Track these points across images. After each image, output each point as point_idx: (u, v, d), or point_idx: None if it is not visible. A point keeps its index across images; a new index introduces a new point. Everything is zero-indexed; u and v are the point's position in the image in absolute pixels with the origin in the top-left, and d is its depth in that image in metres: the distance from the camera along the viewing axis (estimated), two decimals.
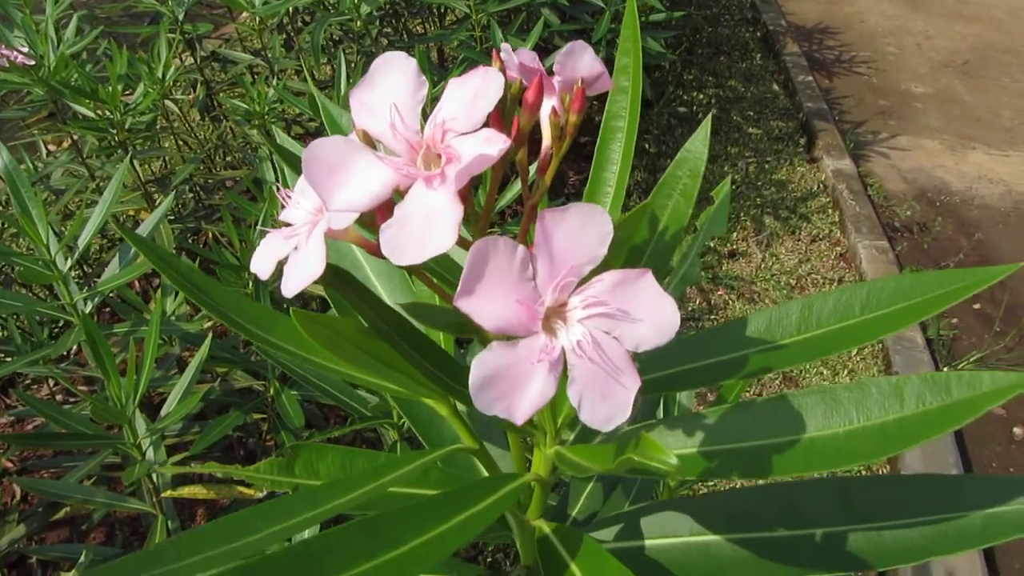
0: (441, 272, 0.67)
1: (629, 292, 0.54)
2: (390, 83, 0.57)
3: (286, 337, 0.72)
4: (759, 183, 4.19)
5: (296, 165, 0.80)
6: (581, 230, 0.52)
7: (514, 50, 0.64)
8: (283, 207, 0.61)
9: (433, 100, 0.56)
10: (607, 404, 0.53)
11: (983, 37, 5.82)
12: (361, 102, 0.57)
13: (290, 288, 0.54)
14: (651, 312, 0.54)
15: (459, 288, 0.50)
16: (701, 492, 2.33)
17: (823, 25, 6.00)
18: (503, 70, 0.57)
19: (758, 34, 5.71)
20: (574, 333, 0.53)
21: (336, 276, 0.56)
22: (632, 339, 0.54)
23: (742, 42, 5.53)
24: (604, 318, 0.54)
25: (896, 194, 4.22)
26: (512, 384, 0.52)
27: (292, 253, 0.56)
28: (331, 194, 0.52)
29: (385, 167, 0.53)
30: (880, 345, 3.29)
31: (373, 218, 0.54)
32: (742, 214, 3.98)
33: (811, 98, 4.83)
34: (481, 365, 0.51)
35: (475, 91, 0.54)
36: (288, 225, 0.59)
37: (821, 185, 4.23)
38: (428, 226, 0.50)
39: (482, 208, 0.58)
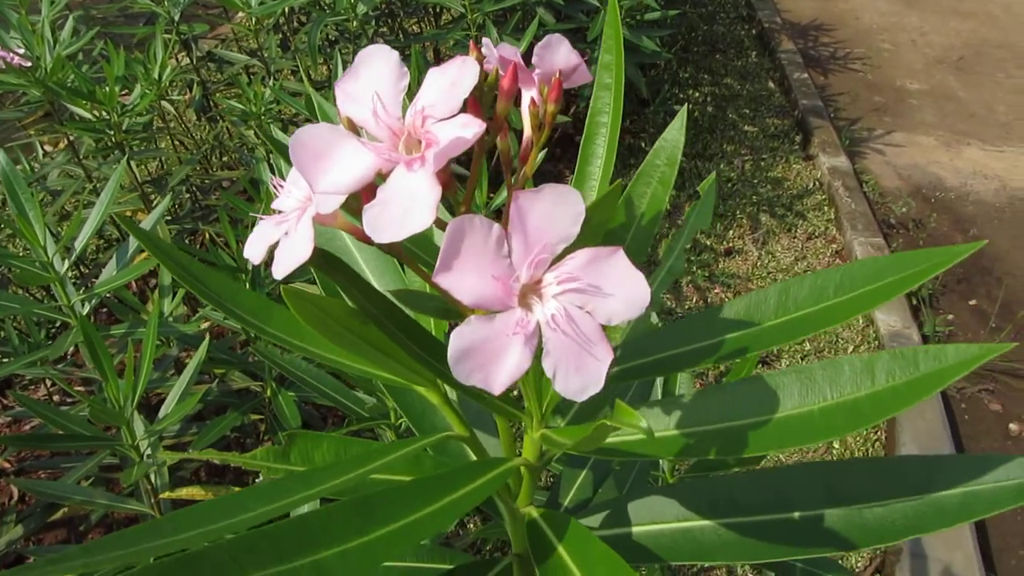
0: (429, 261, 0.69)
1: (601, 269, 0.56)
2: (373, 73, 0.59)
3: (280, 326, 0.74)
4: (755, 180, 4.21)
5: (288, 156, 0.82)
6: (554, 209, 0.54)
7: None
8: (276, 195, 0.63)
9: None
10: (580, 375, 0.55)
11: (978, 33, 5.85)
12: (346, 92, 0.60)
13: (280, 270, 0.56)
14: (622, 287, 0.56)
15: (437, 264, 0.52)
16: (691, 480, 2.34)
17: (818, 22, 6.02)
18: (480, 60, 0.59)
19: (753, 32, 5.73)
20: (548, 308, 0.56)
21: (325, 260, 0.58)
22: (604, 313, 0.56)
23: (737, 40, 5.55)
24: (577, 293, 0.56)
25: (891, 191, 4.24)
26: (489, 356, 0.54)
27: (283, 238, 0.58)
28: (317, 177, 0.54)
29: (368, 152, 0.55)
30: (876, 341, 3.31)
31: (359, 206, 0.57)
32: (738, 212, 4.00)
33: (806, 95, 4.86)
34: (459, 337, 0.53)
35: (452, 79, 0.57)
36: (280, 212, 0.61)
37: (817, 182, 4.25)
38: (408, 206, 0.53)
39: (463, 196, 0.60)
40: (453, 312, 0.65)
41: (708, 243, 3.82)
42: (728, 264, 3.74)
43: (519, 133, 0.65)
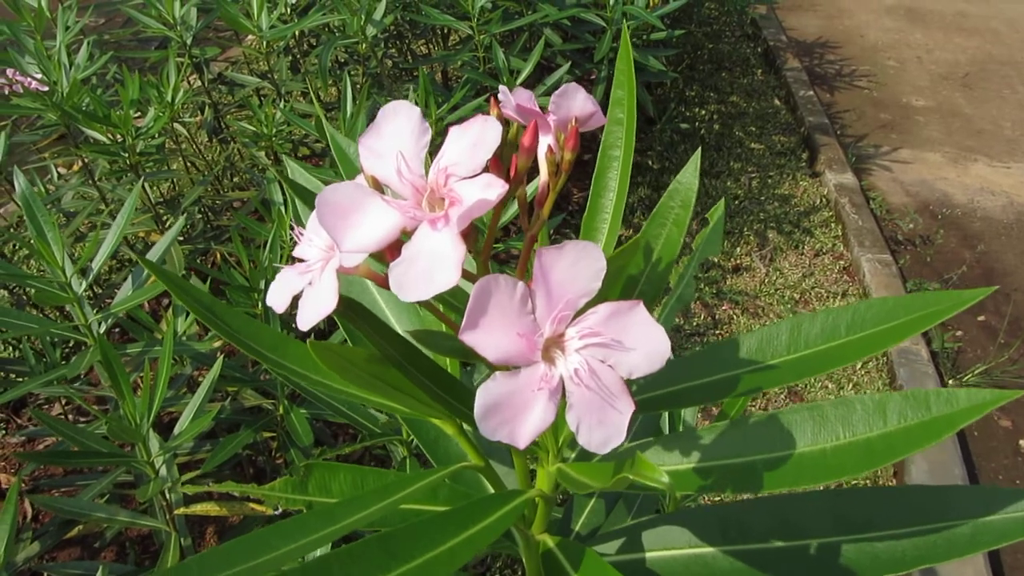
0: (447, 299, 0.71)
1: (622, 323, 0.58)
2: (395, 130, 0.61)
3: (298, 361, 0.76)
4: (762, 198, 4.22)
5: (308, 199, 0.84)
6: (576, 266, 0.56)
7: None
8: (296, 243, 0.65)
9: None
10: (603, 428, 0.57)
11: (983, 49, 5.86)
12: (369, 148, 0.61)
13: (305, 321, 0.58)
14: (643, 341, 0.58)
15: (464, 323, 0.53)
16: (702, 506, 2.35)
17: (823, 40, 6.04)
18: (500, 117, 0.61)
19: (759, 50, 5.76)
20: (571, 362, 0.57)
21: (349, 307, 0.60)
22: (626, 367, 0.58)
23: (743, 58, 5.58)
24: (599, 347, 0.57)
25: (898, 207, 4.25)
26: (514, 411, 0.55)
27: (306, 288, 0.60)
28: (343, 237, 0.56)
29: (393, 210, 0.57)
30: (885, 359, 3.31)
31: (381, 253, 0.58)
32: (745, 229, 4.02)
33: (812, 112, 4.87)
34: (485, 394, 0.55)
35: (474, 139, 0.58)
36: (301, 260, 0.63)
37: (823, 199, 4.26)
38: (433, 265, 0.54)
39: (483, 244, 0.61)
40: (471, 353, 0.67)
41: (716, 260, 3.83)
42: (736, 281, 3.75)
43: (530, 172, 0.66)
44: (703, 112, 4.92)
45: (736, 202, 4.19)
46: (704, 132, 4.71)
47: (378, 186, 0.60)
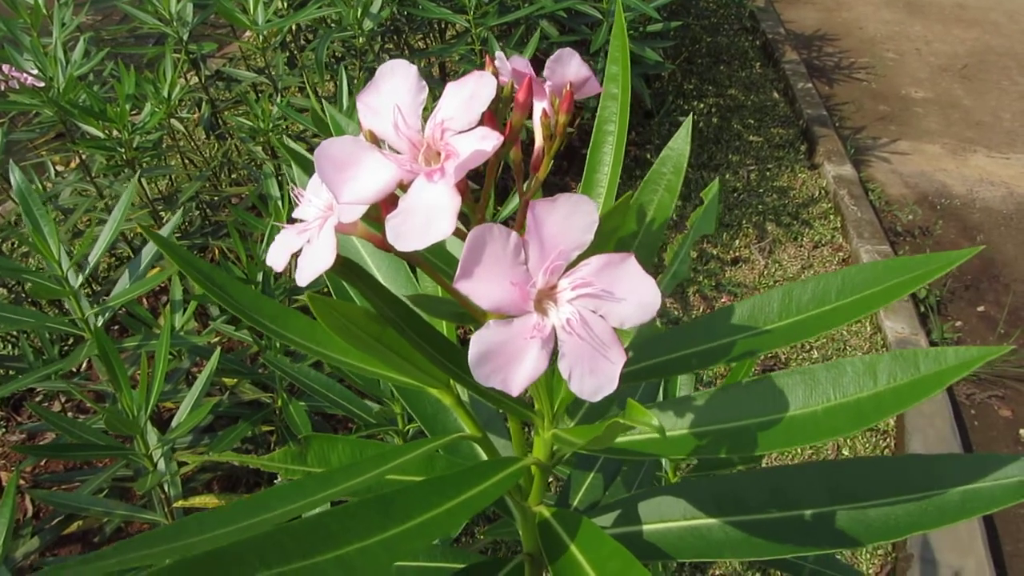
0: (442, 266, 0.71)
1: (614, 274, 0.58)
2: (393, 87, 0.62)
3: (298, 331, 0.76)
4: (761, 190, 4.23)
5: (305, 165, 0.84)
6: (569, 218, 0.56)
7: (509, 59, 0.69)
8: (297, 204, 0.66)
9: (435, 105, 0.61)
10: (595, 377, 0.57)
11: (982, 41, 5.87)
12: (367, 104, 0.62)
13: (304, 277, 0.59)
14: (634, 292, 0.58)
15: (458, 271, 0.54)
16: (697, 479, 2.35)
17: (822, 32, 6.05)
18: (496, 74, 0.62)
19: (757, 42, 5.76)
20: (563, 312, 0.58)
21: (346, 267, 0.60)
22: (617, 317, 0.58)
23: (741, 51, 5.58)
24: (591, 298, 0.58)
25: (897, 199, 4.25)
26: (507, 358, 0.56)
27: (305, 246, 0.61)
28: (341, 188, 0.57)
29: (390, 163, 0.58)
30: (885, 348, 3.32)
31: (379, 214, 0.59)
32: (744, 221, 4.02)
33: (811, 105, 4.88)
34: (479, 341, 0.56)
35: (471, 92, 0.59)
36: (301, 221, 0.64)
37: (822, 191, 4.26)
38: (430, 216, 0.55)
39: (478, 202, 0.62)
40: (467, 316, 0.67)
41: (715, 252, 3.83)
42: (735, 273, 3.75)
43: (525, 144, 0.67)
44: (701, 105, 4.93)
45: (735, 194, 4.19)
46: (702, 125, 4.72)
47: (375, 140, 0.61)
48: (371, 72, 3.10)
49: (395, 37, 3.67)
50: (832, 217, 4.09)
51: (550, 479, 0.95)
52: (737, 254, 3.86)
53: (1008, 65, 5.54)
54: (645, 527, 0.86)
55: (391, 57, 3.57)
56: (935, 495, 0.75)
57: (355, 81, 2.88)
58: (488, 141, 0.56)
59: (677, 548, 0.83)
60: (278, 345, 2.08)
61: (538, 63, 0.64)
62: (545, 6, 3.16)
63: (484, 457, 0.89)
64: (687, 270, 0.94)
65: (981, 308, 3.60)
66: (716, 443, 0.71)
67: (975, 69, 5.50)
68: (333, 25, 3.17)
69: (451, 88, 0.60)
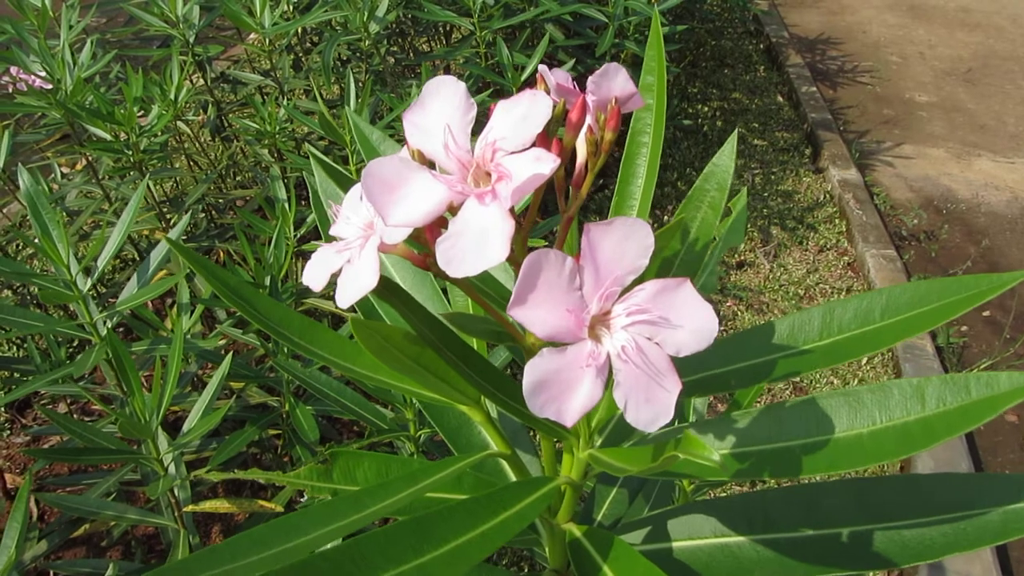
0: (477, 283, 0.70)
1: (669, 300, 0.57)
2: (441, 105, 0.60)
3: (326, 346, 0.75)
4: (765, 194, 4.22)
5: (339, 178, 0.83)
6: (624, 242, 0.55)
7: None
8: (333, 222, 0.64)
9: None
10: (651, 406, 0.56)
11: (986, 45, 5.86)
12: (414, 124, 0.60)
13: (346, 299, 0.57)
14: (690, 319, 0.57)
15: (512, 298, 0.53)
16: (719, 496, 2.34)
17: (825, 36, 6.04)
18: (548, 91, 0.60)
19: (761, 46, 5.75)
20: (618, 339, 0.56)
21: (387, 288, 0.59)
22: (673, 344, 0.57)
23: (745, 54, 5.58)
24: (646, 325, 0.57)
25: (902, 203, 4.24)
26: (562, 388, 0.55)
27: (345, 266, 0.59)
28: (389, 210, 0.55)
29: (440, 185, 0.56)
30: (890, 354, 3.30)
31: (419, 234, 0.58)
32: (749, 225, 4.01)
33: (815, 109, 4.87)
34: (534, 370, 0.54)
35: (524, 113, 0.57)
36: (339, 239, 0.62)
37: (827, 195, 4.25)
38: (482, 240, 0.53)
39: (523, 224, 0.61)
40: (504, 335, 0.66)
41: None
42: (740, 277, 3.74)
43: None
44: (706, 109, 4.92)
45: None
46: (707, 128, 4.71)
47: (423, 160, 0.59)
48: (377, 74, 3.08)
49: (400, 40, 3.66)
50: (837, 221, 4.08)
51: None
52: (742, 258, 3.85)
53: (1012, 69, 5.54)
54: (675, 544, 0.85)
55: (396, 60, 3.57)
56: (974, 516, 0.74)
57: (360, 84, 2.87)
58: (545, 164, 0.54)
59: (708, 567, 0.82)
60: (286, 349, 2.07)
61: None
62: (551, 9, 3.14)
63: (510, 473, 0.88)
64: (715, 282, 0.93)
65: (986, 313, 3.59)
66: (758, 465, 0.70)
67: (979, 73, 5.49)
68: (339, 28, 3.16)
69: (502, 107, 0.59)
